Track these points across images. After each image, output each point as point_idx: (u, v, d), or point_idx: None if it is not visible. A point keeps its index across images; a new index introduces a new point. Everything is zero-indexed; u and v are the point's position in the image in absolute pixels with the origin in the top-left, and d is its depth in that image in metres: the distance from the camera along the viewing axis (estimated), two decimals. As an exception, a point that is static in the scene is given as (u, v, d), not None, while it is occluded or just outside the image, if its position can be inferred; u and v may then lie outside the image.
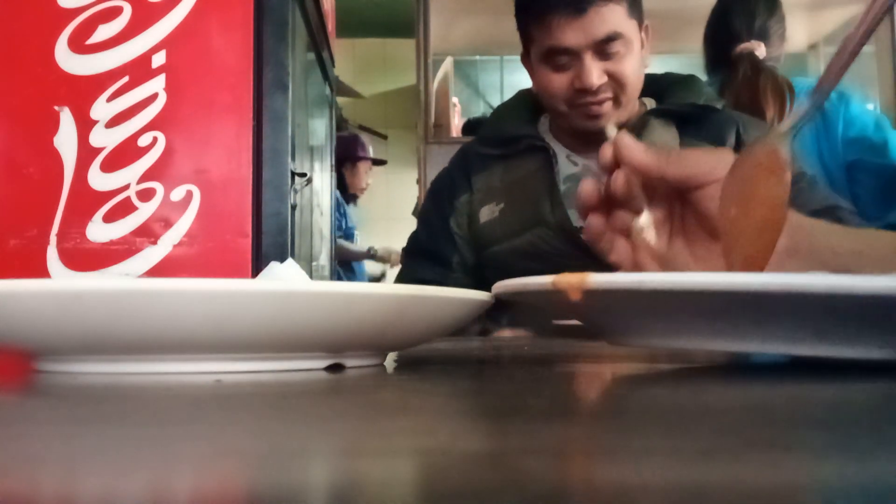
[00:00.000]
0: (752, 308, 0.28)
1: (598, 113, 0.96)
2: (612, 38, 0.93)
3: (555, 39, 0.94)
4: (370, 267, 3.22)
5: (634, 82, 0.96)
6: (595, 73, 0.93)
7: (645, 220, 0.47)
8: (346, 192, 3.08)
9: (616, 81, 0.94)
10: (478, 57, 3.62)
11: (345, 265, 2.89)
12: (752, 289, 0.27)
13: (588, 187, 0.49)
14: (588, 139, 0.99)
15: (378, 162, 3.29)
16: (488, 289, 0.37)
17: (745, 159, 0.43)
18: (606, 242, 0.48)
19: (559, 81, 0.96)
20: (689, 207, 0.49)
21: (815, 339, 0.30)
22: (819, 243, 0.50)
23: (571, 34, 0.93)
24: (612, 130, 0.48)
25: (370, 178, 3.18)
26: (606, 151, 0.48)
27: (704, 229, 0.48)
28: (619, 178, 0.47)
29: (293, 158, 0.87)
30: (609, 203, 0.49)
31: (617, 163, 0.47)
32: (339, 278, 2.57)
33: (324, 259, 1.36)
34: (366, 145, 3.19)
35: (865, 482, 0.12)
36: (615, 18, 0.92)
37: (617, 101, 0.96)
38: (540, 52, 0.97)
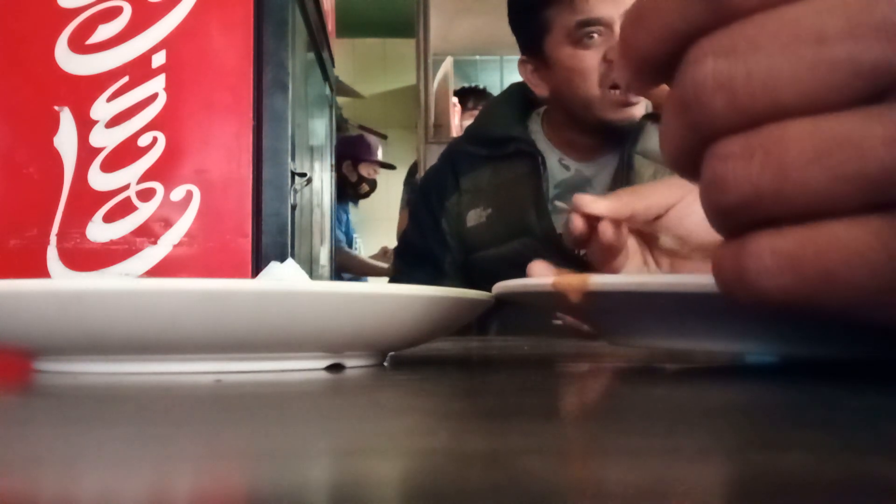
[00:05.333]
0: (753, 309, 0.28)
1: (635, 101, 0.93)
2: None
3: (586, 12, 0.92)
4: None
5: None
6: None
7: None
8: (346, 191, 3.05)
9: None
10: (478, 57, 3.62)
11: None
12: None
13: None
14: (584, 140, 0.99)
15: (386, 165, 3.26)
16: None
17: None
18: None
19: (590, 59, 0.93)
20: (651, 240, 0.49)
21: (814, 340, 0.30)
22: None
23: (603, 5, 0.92)
24: (562, 206, 0.48)
25: (364, 174, 3.14)
26: (577, 222, 0.47)
27: (670, 255, 0.49)
28: (606, 229, 0.46)
29: (293, 158, 0.87)
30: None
31: (590, 225, 0.47)
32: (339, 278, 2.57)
33: (324, 259, 1.36)
34: (371, 147, 3.15)
35: (865, 482, 0.12)
36: None
37: None
38: (565, 32, 0.94)
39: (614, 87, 0.93)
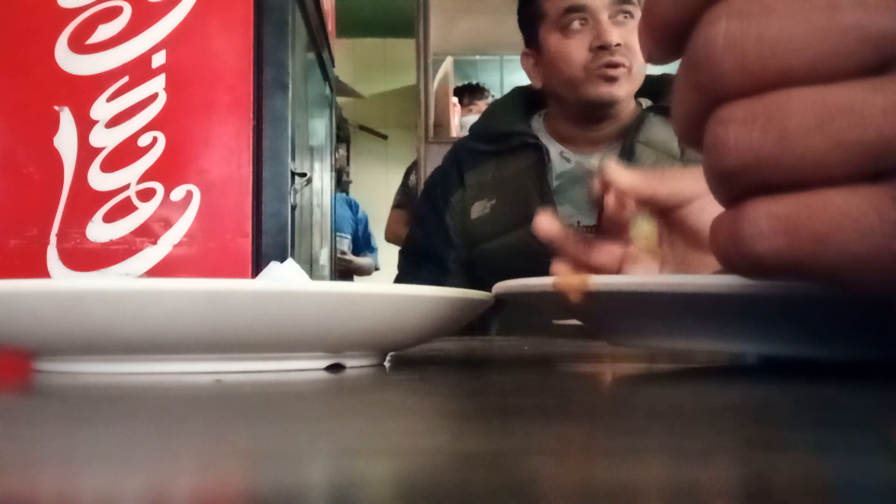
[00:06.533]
0: (753, 309, 0.28)
1: (615, 75, 0.96)
2: None
3: None
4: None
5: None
6: (614, 31, 0.96)
7: (649, 227, 0.47)
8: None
9: (629, 49, 0.96)
10: (478, 57, 3.62)
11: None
12: (753, 291, 0.27)
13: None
14: (580, 133, 1.00)
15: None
16: (480, 289, 0.37)
17: None
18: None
19: (576, 46, 0.98)
20: (675, 226, 0.49)
21: (815, 340, 0.30)
22: None
23: None
24: (590, 164, 0.49)
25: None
26: (596, 184, 0.48)
27: (693, 243, 0.49)
28: (609, 201, 0.47)
29: (293, 158, 0.87)
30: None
31: (606, 192, 0.47)
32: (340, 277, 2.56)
33: (324, 259, 1.36)
34: None
35: (865, 482, 0.12)
36: None
37: (629, 70, 0.97)
38: (554, 19, 0.99)
39: (599, 65, 0.96)
